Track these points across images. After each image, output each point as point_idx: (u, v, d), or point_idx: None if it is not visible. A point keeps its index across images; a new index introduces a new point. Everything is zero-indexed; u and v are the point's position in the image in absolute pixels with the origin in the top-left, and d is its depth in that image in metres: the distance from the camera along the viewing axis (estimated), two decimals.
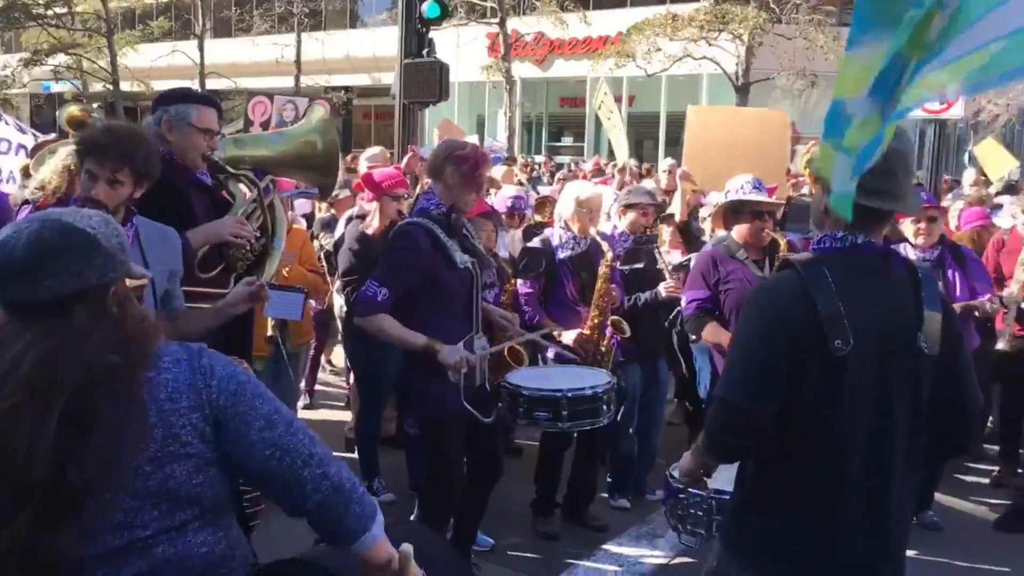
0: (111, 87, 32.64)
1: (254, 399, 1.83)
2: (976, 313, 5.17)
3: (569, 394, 4.12)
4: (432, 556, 2.27)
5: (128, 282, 1.84)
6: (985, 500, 5.96)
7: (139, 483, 1.70)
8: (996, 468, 6.36)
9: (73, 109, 6.67)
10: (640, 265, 5.48)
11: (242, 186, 3.86)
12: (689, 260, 5.71)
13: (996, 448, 6.46)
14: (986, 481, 6.28)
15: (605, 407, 4.20)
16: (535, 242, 5.28)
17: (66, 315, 1.69)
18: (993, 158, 11.68)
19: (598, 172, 10.18)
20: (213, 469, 1.80)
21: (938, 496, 5.66)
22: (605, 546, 5.03)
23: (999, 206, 8.13)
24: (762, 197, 4.84)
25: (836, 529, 2.31)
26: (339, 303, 5.56)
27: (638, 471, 5.68)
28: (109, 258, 1.74)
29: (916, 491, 2.53)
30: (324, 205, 7.56)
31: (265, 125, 8.44)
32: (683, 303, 4.90)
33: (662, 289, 5.27)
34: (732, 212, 4.91)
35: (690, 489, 3.18)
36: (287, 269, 5.24)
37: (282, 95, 9.17)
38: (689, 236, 6.39)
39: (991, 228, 6.89)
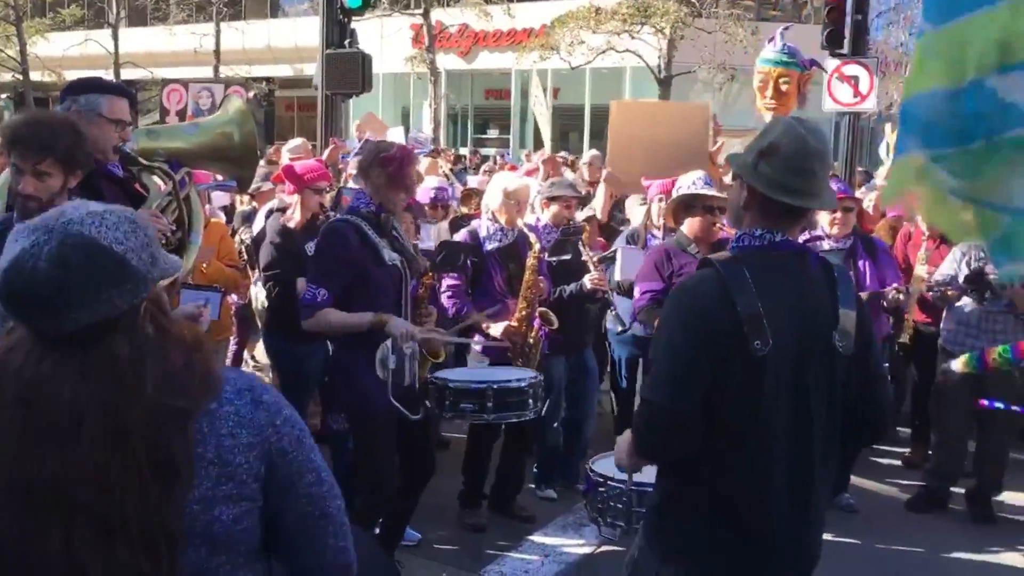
0: (20, 77, 31.49)
1: (311, 450, 1.70)
2: (883, 302, 5.32)
3: (495, 386, 4.18)
4: (363, 562, 2.24)
5: (165, 282, 1.67)
6: (898, 481, 6.17)
7: (185, 523, 1.54)
8: (908, 450, 6.58)
9: None
10: (567, 256, 5.51)
11: (156, 179, 3.74)
12: (614, 252, 5.76)
13: (908, 430, 6.68)
14: (899, 463, 6.49)
15: (532, 400, 4.25)
16: (461, 234, 5.26)
17: (104, 347, 1.51)
18: None
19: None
20: (257, 513, 1.64)
21: (853, 479, 5.83)
22: (532, 537, 5.05)
23: None
24: (713, 192, 4.92)
25: (760, 528, 2.33)
26: (260, 298, 5.44)
27: (569, 462, 5.71)
28: (140, 280, 1.54)
29: (831, 482, 2.60)
30: (246, 198, 7.41)
31: (182, 114, 8.23)
32: (636, 294, 4.95)
33: (587, 281, 5.30)
34: (684, 207, 4.98)
35: (610, 482, 3.21)
36: (205, 264, 5.11)
37: (197, 82, 8.95)
38: (611, 233, 6.45)
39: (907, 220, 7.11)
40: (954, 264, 5.61)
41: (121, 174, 3.64)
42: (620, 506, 3.22)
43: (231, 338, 7.37)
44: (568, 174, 9.31)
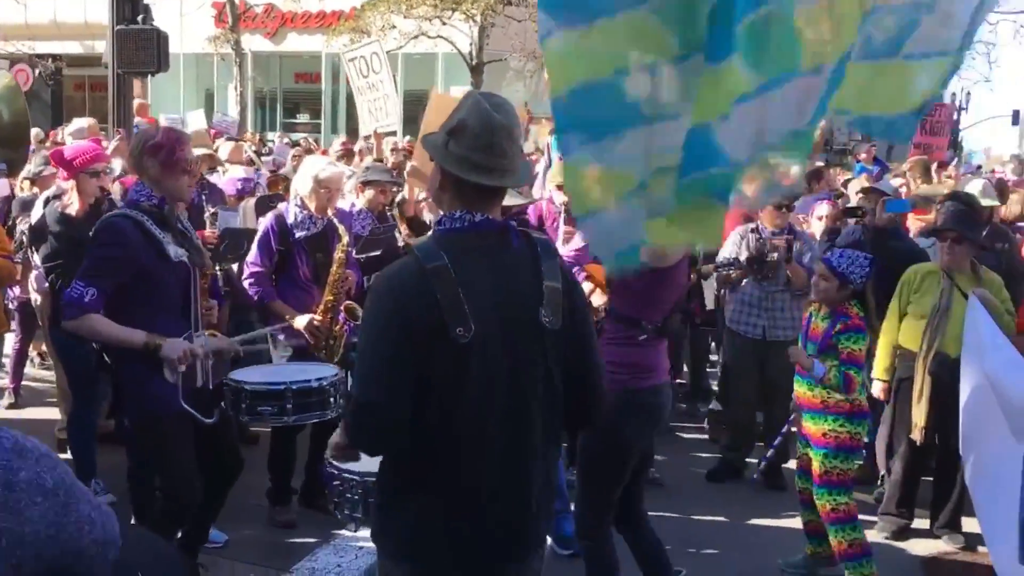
0: None
1: None
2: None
3: (294, 387, 3.92)
4: (147, 566, 2.09)
5: None
6: (700, 455, 6.48)
7: None
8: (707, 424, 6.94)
9: None
10: (377, 252, 5.41)
11: None
12: None
13: (711, 406, 7.04)
14: (703, 438, 6.82)
15: (333, 399, 4.02)
16: (268, 217, 5.05)
17: None
18: None
19: (347, 154, 9.91)
20: None
21: (657, 454, 6.07)
22: (344, 531, 4.94)
23: None
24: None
25: (476, 515, 2.29)
26: (42, 290, 5.05)
27: None
28: None
29: (557, 460, 2.57)
30: (27, 184, 6.84)
31: None
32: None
33: None
34: None
35: (344, 474, 3.17)
36: None
37: None
38: (418, 227, 6.40)
39: None
40: (734, 247, 5.92)
41: None
42: (356, 497, 3.20)
43: (12, 335, 6.83)
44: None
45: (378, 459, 2.45)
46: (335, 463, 3.14)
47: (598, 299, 4.04)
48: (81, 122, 7.28)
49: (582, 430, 3.38)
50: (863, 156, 14.36)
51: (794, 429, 4.85)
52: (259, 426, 6.02)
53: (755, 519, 5.45)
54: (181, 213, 3.97)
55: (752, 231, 5.90)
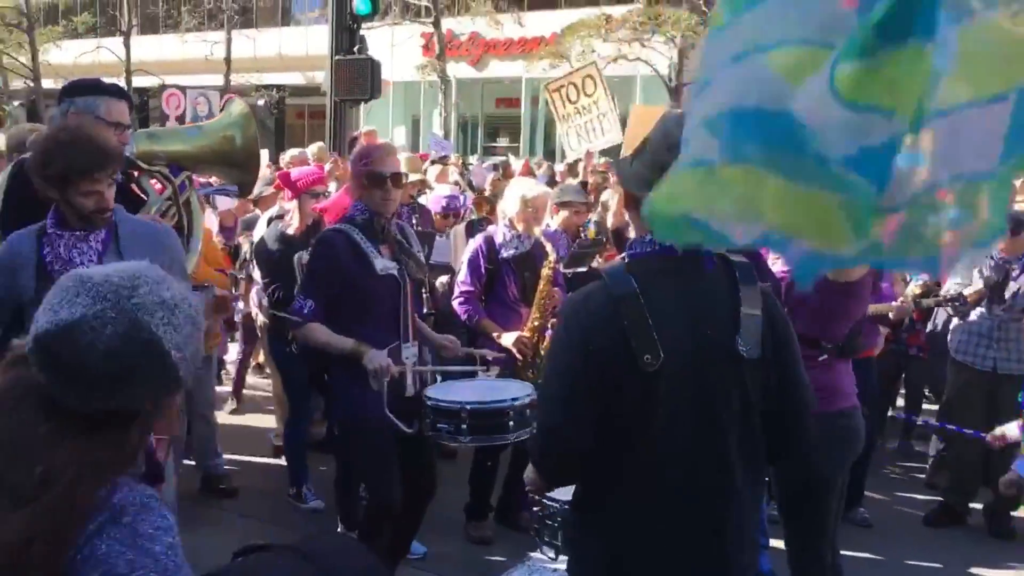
0: (32, 84, 31.60)
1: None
2: (891, 315, 5.18)
3: (469, 407, 3.79)
4: (352, 570, 2.16)
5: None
6: (915, 496, 6.04)
7: None
8: (922, 463, 6.45)
9: None
10: (583, 269, 5.42)
11: (155, 182, 3.67)
12: None
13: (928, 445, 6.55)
14: (914, 477, 6.36)
15: (513, 423, 3.83)
16: (477, 239, 5.18)
17: (112, 433, 1.46)
18: None
19: (527, 173, 10.09)
20: None
21: (870, 492, 5.71)
22: (537, 552, 4.93)
23: None
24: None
25: (664, 561, 2.19)
26: (263, 304, 5.39)
27: None
28: (176, 383, 1.52)
29: (761, 494, 2.42)
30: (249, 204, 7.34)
31: (181, 119, 8.21)
32: None
33: None
34: None
35: (544, 500, 3.11)
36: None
37: (195, 88, 8.96)
38: (623, 241, 6.34)
39: None
40: (968, 276, 5.50)
41: (119, 178, 3.56)
42: (556, 525, 3.13)
43: (231, 345, 7.33)
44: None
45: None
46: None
47: None
48: (313, 147, 7.75)
49: (783, 458, 3.18)
50: None
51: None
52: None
53: (976, 567, 5.00)
54: (404, 227, 4.09)
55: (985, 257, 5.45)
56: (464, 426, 3.77)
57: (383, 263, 3.84)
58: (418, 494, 4.06)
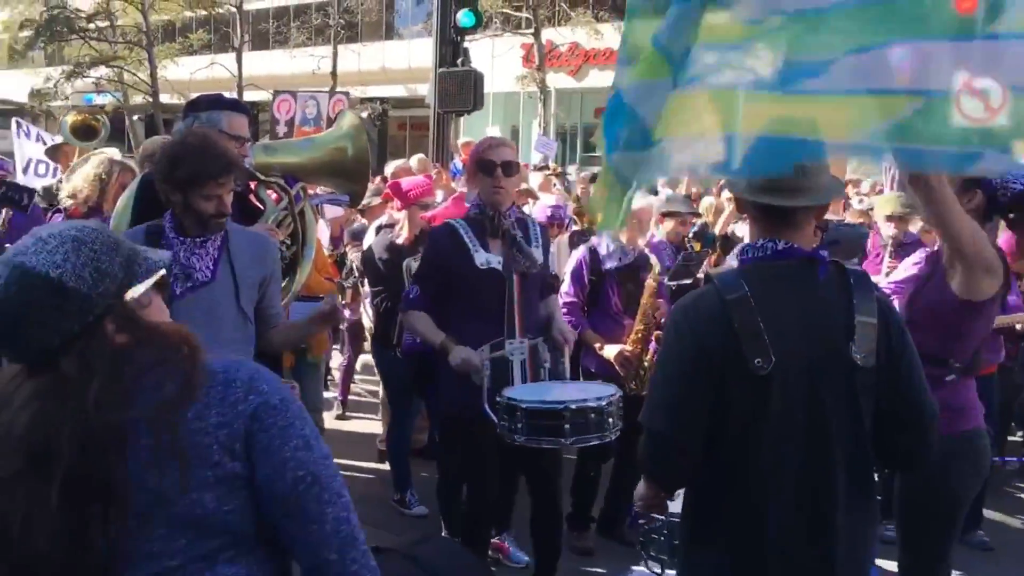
0: (151, 99, 33.04)
1: (295, 418, 1.65)
2: (1018, 327, 4.95)
3: (573, 406, 3.66)
4: (455, 571, 2.19)
5: (136, 290, 1.60)
6: None
7: (166, 511, 1.53)
8: None
9: (75, 116, 6.73)
10: (688, 281, 5.36)
11: (272, 193, 3.80)
12: None
13: None
14: None
15: (611, 419, 3.75)
16: (580, 250, 5.18)
17: (53, 368, 1.52)
18: None
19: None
20: (245, 492, 1.60)
21: (988, 513, 5.46)
22: (642, 567, 4.88)
23: None
24: None
25: (776, 555, 2.15)
26: (369, 312, 5.51)
27: None
28: (84, 299, 1.52)
29: (874, 507, 2.35)
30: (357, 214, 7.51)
31: (290, 123, 8.46)
32: None
33: None
34: None
35: (651, 514, 3.06)
36: None
37: (305, 92, 9.23)
38: (730, 246, 6.27)
39: None
40: None
41: (239, 188, 3.71)
42: (662, 539, 3.08)
43: (337, 351, 7.50)
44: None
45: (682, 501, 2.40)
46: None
47: None
48: (416, 158, 7.89)
49: (902, 468, 3.07)
50: None
51: None
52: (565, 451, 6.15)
53: None
54: (526, 222, 4.11)
55: None
56: (567, 427, 3.65)
57: (485, 257, 3.83)
58: (538, 503, 4.08)
